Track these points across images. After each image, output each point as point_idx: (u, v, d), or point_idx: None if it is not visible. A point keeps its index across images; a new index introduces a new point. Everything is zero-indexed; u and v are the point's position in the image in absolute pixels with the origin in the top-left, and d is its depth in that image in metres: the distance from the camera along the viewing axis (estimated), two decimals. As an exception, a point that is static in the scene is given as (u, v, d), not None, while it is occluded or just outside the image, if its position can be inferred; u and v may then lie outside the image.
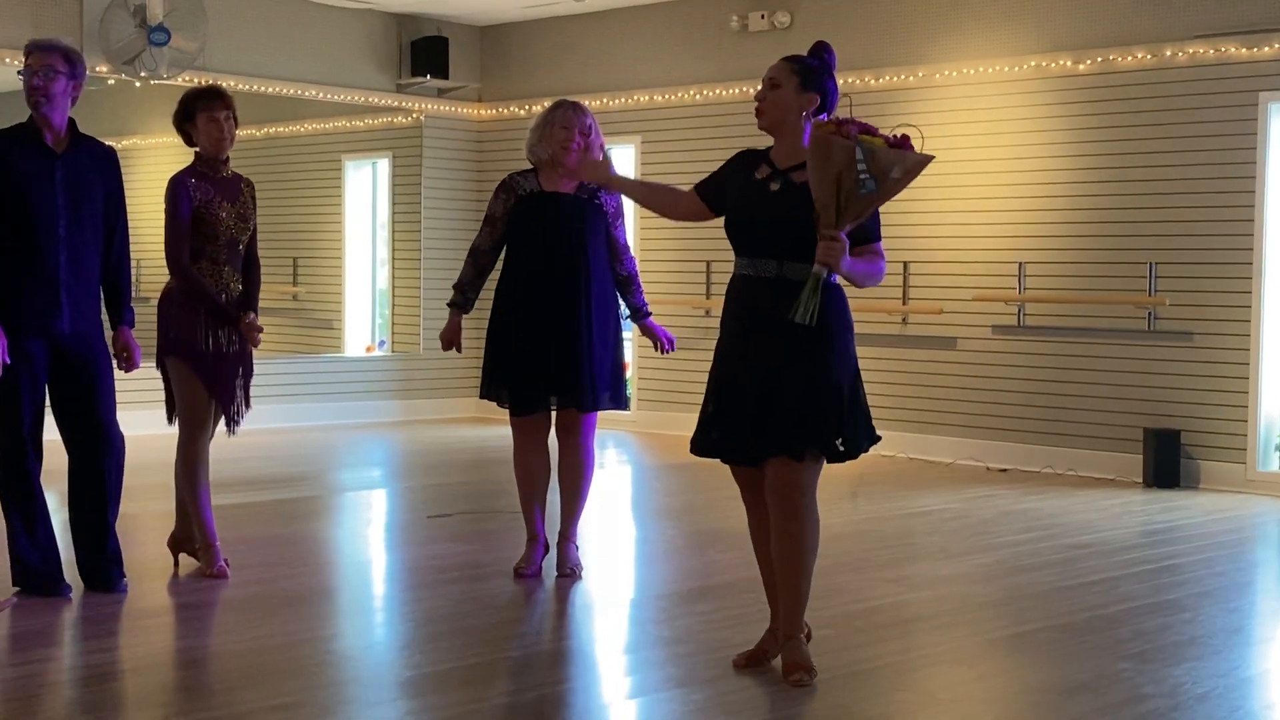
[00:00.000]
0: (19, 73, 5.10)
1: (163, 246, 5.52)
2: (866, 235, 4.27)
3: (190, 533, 5.72)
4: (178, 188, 5.51)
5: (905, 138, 4.14)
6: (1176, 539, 6.92)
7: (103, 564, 5.26)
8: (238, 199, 5.61)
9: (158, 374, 5.64)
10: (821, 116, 4.28)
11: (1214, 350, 8.51)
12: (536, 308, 5.56)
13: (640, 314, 5.83)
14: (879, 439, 4.38)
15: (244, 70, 10.82)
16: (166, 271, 5.56)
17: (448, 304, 5.79)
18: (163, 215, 5.53)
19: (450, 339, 5.75)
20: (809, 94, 4.29)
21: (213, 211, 5.51)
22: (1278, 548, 7.19)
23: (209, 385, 5.53)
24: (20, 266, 5.04)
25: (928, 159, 4.14)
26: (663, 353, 5.83)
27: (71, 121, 5.17)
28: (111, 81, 10.12)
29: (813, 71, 4.32)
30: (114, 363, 5.27)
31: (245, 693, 4.17)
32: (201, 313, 5.50)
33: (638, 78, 11.16)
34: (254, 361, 5.74)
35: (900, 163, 4.08)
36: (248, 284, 5.66)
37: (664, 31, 11.04)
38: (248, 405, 5.71)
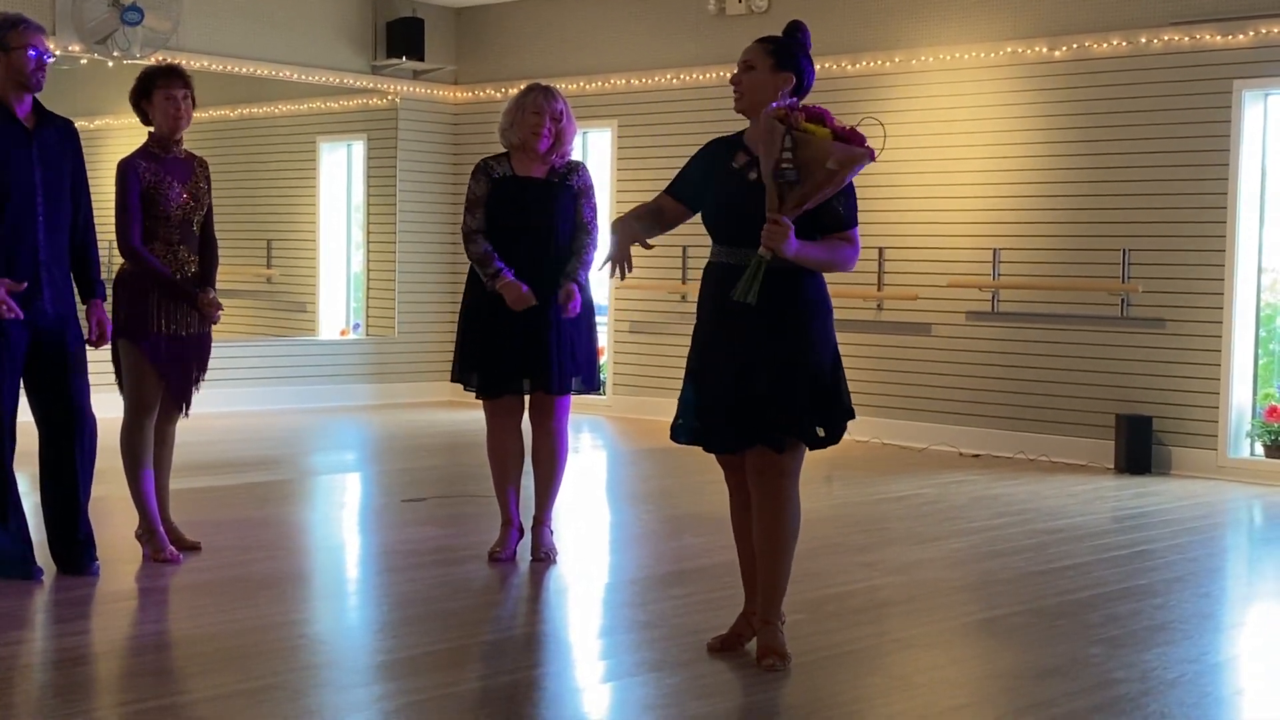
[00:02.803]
0: (28, 52, 5.03)
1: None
2: (837, 222, 4.23)
3: (169, 519, 5.71)
4: (127, 170, 5.48)
5: (852, 130, 4.09)
6: (1148, 525, 6.96)
7: (74, 547, 5.23)
8: (190, 178, 5.58)
9: (123, 357, 5.58)
10: (792, 100, 4.23)
11: (1186, 337, 8.55)
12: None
13: (565, 275, 5.54)
14: (853, 415, 4.36)
15: (218, 50, 10.76)
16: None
17: (491, 279, 5.47)
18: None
19: (527, 299, 5.46)
20: (784, 73, 4.27)
21: (163, 192, 5.48)
22: (1248, 533, 7.24)
23: (160, 367, 5.49)
24: (1, 247, 5.00)
25: (863, 154, 4.07)
26: (563, 311, 5.54)
27: (34, 97, 5.15)
28: (84, 61, 10.05)
29: (786, 51, 4.29)
30: (86, 337, 5.23)
31: (218, 676, 4.15)
32: (154, 295, 5.47)
33: (615, 61, 11.14)
34: (213, 344, 5.71)
35: (835, 154, 4.04)
36: (205, 262, 5.62)
37: (641, 15, 11.02)
38: (197, 388, 5.67)
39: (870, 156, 4.11)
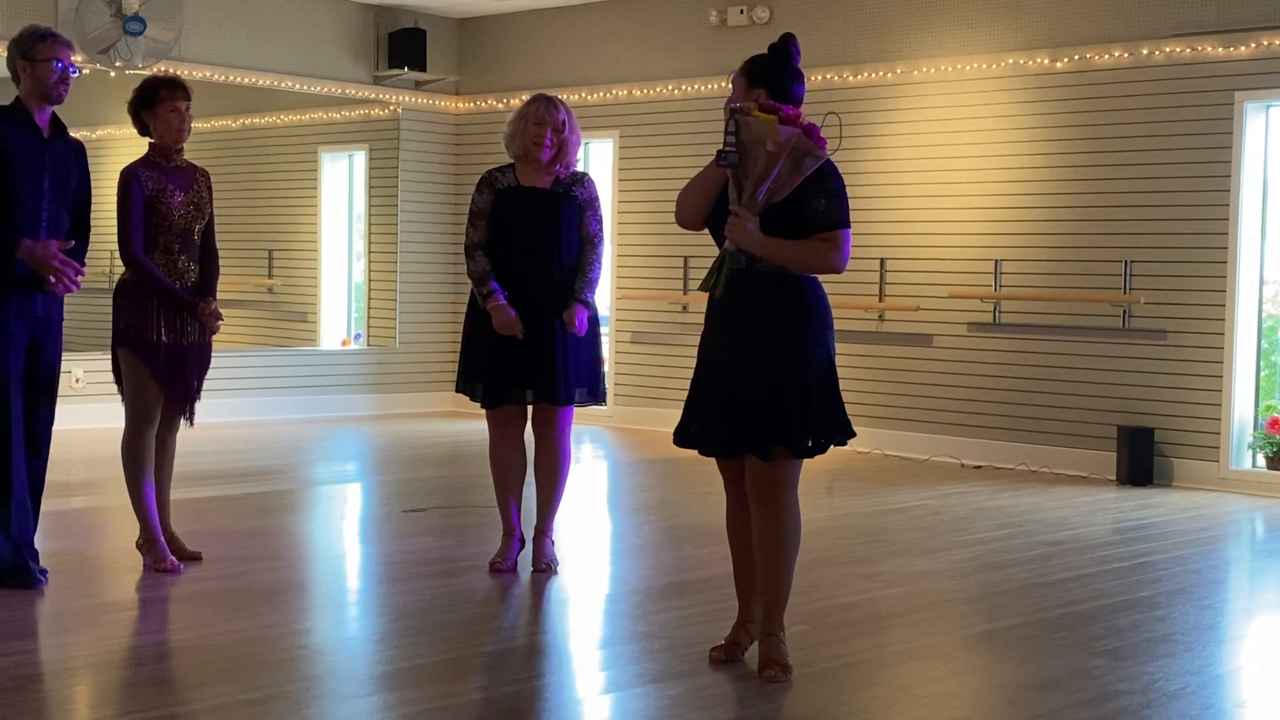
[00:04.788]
0: (53, 64, 5.08)
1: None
2: (817, 221, 4.21)
3: (169, 529, 5.70)
4: (129, 179, 5.49)
5: (803, 121, 4.12)
6: (1150, 536, 6.96)
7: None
8: (191, 188, 5.58)
9: (123, 366, 5.57)
10: (756, 94, 4.28)
11: (1188, 348, 8.55)
12: (511, 301, 5.54)
13: (572, 296, 5.56)
14: (853, 434, 4.38)
15: (220, 61, 10.78)
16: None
17: (484, 298, 5.52)
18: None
19: (514, 325, 5.49)
20: (757, 89, 4.32)
21: (165, 201, 5.49)
22: (1250, 545, 7.23)
23: (159, 376, 5.48)
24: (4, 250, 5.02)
25: (800, 135, 4.09)
26: (568, 329, 5.56)
27: (53, 110, 5.20)
28: (86, 71, 10.05)
29: (758, 66, 4.36)
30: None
31: (218, 686, 4.15)
32: (154, 303, 5.47)
33: (616, 72, 11.15)
34: (213, 354, 5.71)
35: (772, 136, 4.09)
36: (205, 272, 5.62)
37: (643, 26, 11.04)
38: (197, 397, 5.66)
39: (815, 140, 4.11)
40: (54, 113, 5.21)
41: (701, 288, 4.29)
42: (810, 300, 4.27)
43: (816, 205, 4.20)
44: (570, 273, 5.60)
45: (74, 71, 5.19)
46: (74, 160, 5.24)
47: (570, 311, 5.57)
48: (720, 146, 4.17)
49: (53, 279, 5.03)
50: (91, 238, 5.34)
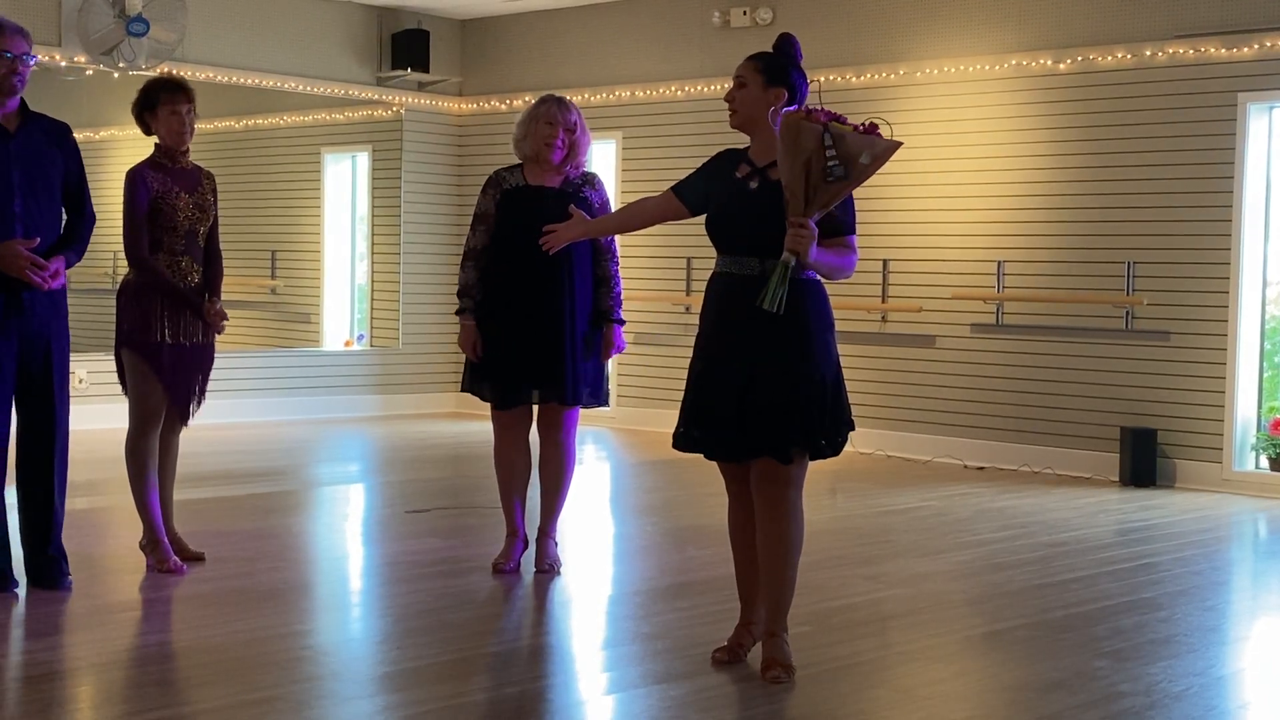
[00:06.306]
0: (5, 54, 4.95)
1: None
2: (838, 227, 4.25)
3: (172, 529, 5.70)
4: (135, 179, 5.46)
5: (873, 125, 4.15)
6: (1153, 538, 6.95)
7: (47, 561, 5.17)
8: (196, 189, 5.57)
9: (127, 366, 5.56)
10: (791, 108, 4.29)
11: (1191, 350, 8.54)
12: (520, 302, 5.54)
13: (605, 317, 5.68)
14: (853, 427, 4.38)
15: (223, 62, 10.78)
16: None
17: (457, 312, 5.64)
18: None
19: (472, 345, 5.60)
20: (775, 89, 4.32)
21: (170, 202, 5.47)
22: (1253, 547, 7.23)
23: (162, 377, 5.46)
24: None
25: (896, 145, 4.13)
26: (604, 357, 5.70)
27: (21, 100, 5.07)
28: (90, 72, 10.07)
29: (777, 66, 4.34)
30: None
31: (220, 687, 4.15)
32: (157, 304, 5.45)
33: (619, 73, 11.15)
34: (217, 355, 5.70)
35: (869, 149, 4.08)
36: (209, 274, 5.60)
37: (646, 27, 11.04)
38: (202, 398, 5.65)
39: (897, 145, 4.15)
40: (22, 101, 5.05)
41: (766, 306, 4.11)
42: (818, 303, 4.28)
43: (836, 212, 4.21)
44: (578, 272, 5.58)
45: (31, 59, 5.03)
46: (53, 146, 5.09)
47: (609, 333, 5.65)
48: (823, 161, 4.03)
49: (27, 278, 4.90)
50: (95, 238, 5.29)
